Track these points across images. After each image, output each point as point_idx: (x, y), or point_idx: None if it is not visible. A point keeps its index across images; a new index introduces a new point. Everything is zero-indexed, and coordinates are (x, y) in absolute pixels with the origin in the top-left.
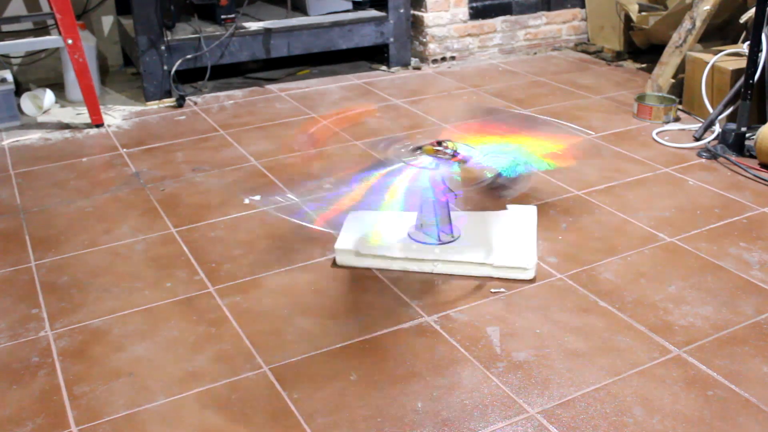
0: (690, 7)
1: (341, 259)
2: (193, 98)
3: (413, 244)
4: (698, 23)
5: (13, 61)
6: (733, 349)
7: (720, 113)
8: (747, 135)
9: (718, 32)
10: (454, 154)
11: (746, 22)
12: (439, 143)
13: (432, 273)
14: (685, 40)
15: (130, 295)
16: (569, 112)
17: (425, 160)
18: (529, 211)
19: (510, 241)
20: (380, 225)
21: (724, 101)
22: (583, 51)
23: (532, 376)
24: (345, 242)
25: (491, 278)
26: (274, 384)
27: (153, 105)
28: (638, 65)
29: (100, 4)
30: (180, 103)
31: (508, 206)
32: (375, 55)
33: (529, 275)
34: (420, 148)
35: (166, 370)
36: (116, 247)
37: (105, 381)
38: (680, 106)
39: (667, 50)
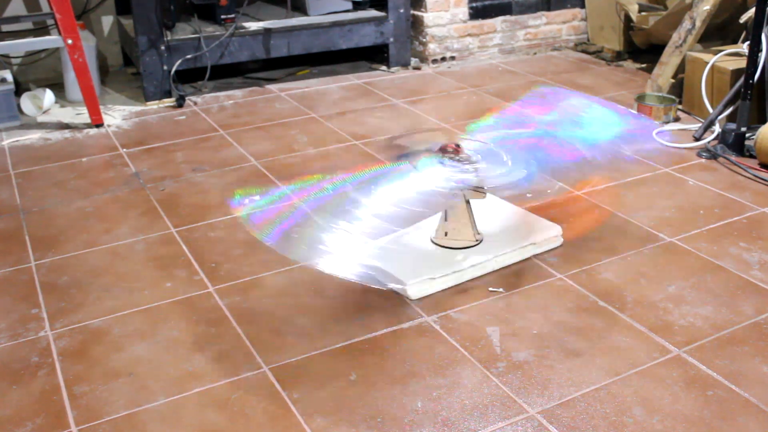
0: (690, 7)
1: (416, 292)
2: (193, 98)
3: (460, 252)
4: (698, 23)
5: (13, 61)
6: (733, 349)
7: (720, 113)
8: (747, 135)
9: (718, 32)
10: (452, 160)
11: (746, 22)
12: (445, 148)
13: (493, 271)
14: (685, 40)
15: (130, 295)
16: None
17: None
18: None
19: (520, 220)
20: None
21: (724, 101)
22: (583, 51)
23: (532, 376)
24: (408, 274)
25: (534, 255)
26: (274, 384)
27: (153, 105)
28: (638, 65)
29: (100, 4)
30: (180, 103)
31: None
32: (375, 55)
33: (561, 241)
34: (443, 148)
35: (166, 370)
36: (116, 247)
37: (105, 381)
38: (680, 106)
39: (667, 50)
